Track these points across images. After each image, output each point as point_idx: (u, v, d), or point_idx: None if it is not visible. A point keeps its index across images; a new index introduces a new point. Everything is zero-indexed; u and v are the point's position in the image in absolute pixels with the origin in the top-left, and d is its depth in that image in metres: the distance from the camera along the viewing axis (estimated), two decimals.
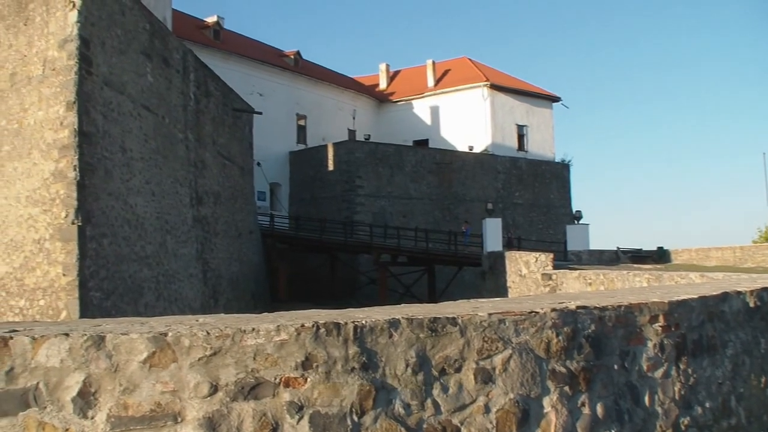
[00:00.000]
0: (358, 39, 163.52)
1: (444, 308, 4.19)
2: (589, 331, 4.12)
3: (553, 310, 3.98)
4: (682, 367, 4.63)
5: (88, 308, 19.19)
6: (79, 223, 19.46)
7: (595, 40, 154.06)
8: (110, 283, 20.68)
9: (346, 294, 43.98)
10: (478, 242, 41.71)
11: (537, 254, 29.13)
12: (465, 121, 58.82)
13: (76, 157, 19.85)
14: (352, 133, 58.92)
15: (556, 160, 60.56)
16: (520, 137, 60.29)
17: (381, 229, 43.93)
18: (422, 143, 59.36)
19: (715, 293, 5.32)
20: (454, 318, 3.65)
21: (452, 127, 59.65)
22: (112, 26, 22.64)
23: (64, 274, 19.15)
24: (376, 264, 42.72)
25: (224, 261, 31.60)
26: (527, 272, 30.19)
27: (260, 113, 40.01)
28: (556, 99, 63.50)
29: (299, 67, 57.35)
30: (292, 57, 57.62)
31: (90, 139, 20.63)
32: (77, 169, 19.78)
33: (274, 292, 41.35)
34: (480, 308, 4.03)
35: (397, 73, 68.86)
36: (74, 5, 20.61)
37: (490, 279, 34.56)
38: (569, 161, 60.65)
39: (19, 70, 21.74)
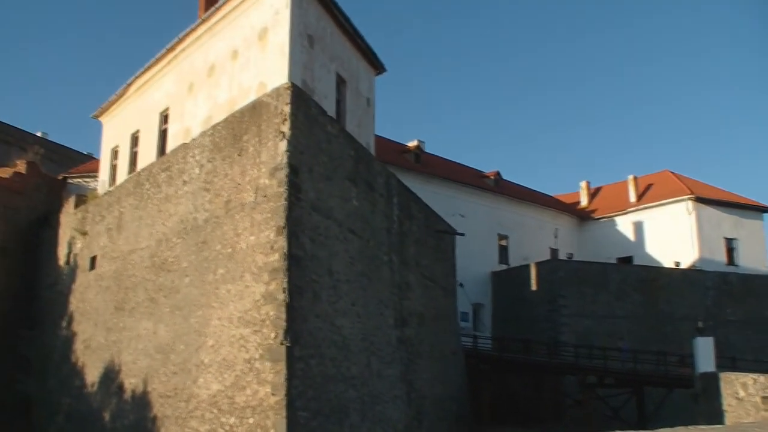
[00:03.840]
0: (557, 158, 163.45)
1: None
2: None
3: None
4: None
5: (295, 428, 18.95)
6: (288, 344, 19.51)
7: None
8: (317, 404, 20.50)
9: (552, 416, 42.24)
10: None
11: (755, 376, 26.85)
12: (670, 236, 56.06)
13: (286, 280, 20.11)
14: (554, 252, 57.57)
15: None
16: (729, 251, 56.28)
17: (586, 350, 42.11)
18: (626, 260, 57.06)
19: None
20: None
21: (657, 242, 57.00)
22: (319, 154, 23.30)
23: (272, 394, 19.13)
24: (582, 386, 40.79)
25: (428, 382, 30.94)
26: (745, 395, 27.94)
27: (463, 234, 39.84)
28: (767, 209, 59.68)
29: (500, 188, 57.35)
30: (493, 178, 57.80)
31: (299, 263, 20.93)
32: (286, 292, 19.98)
33: (477, 413, 40.08)
34: None
35: (598, 189, 67.52)
36: (284, 136, 21.38)
37: (703, 402, 32.25)
38: None
39: (233, 198, 22.70)
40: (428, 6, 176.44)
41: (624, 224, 60.11)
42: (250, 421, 19.47)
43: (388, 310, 27.56)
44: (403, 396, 27.47)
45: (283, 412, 18.77)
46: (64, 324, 32.68)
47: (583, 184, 67.67)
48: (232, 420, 20.08)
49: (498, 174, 58.60)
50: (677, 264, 53.57)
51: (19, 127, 58.05)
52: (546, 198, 64.87)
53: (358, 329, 24.29)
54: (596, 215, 62.73)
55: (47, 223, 37.39)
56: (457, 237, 40.14)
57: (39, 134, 60.22)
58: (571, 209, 64.37)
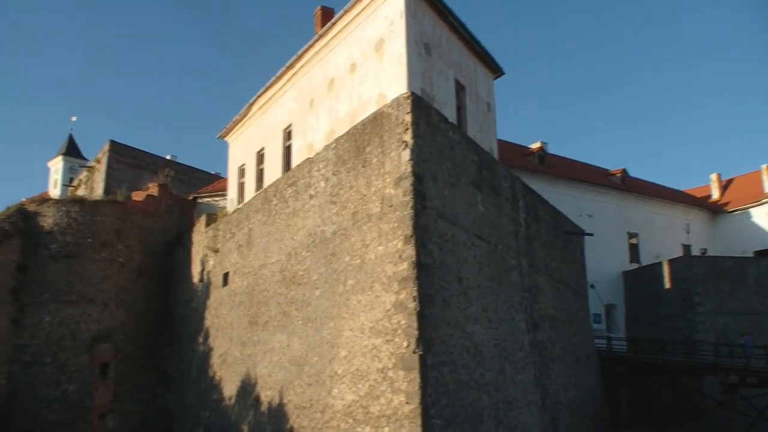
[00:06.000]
0: (685, 150, 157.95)
1: None
2: None
3: None
4: None
5: None
6: (421, 352, 19.32)
7: None
8: (451, 411, 20.24)
9: (691, 418, 40.62)
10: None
11: None
12: None
13: (416, 288, 19.92)
14: (686, 248, 55.41)
15: None
16: None
17: (726, 348, 40.28)
18: (764, 253, 54.05)
19: None
20: None
21: None
22: (443, 161, 23.05)
23: (407, 402, 18.97)
24: (723, 386, 38.99)
25: (562, 386, 30.16)
26: None
27: (591, 234, 38.84)
28: None
29: (627, 185, 55.78)
30: (619, 175, 56.32)
31: (427, 271, 20.72)
32: (417, 300, 19.81)
33: (613, 416, 38.97)
34: None
35: (729, 181, 64.61)
36: (407, 145, 21.26)
37: None
38: None
39: (360, 209, 22.74)
40: (543, 4, 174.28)
41: (760, 215, 57.15)
42: (385, 430, 19.41)
43: (519, 314, 27.06)
44: (537, 401, 26.91)
45: (418, 421, 18.62)
46: (200, 339, 33.62)
47: (713, 176, 65.02)
48: (367, 429, 20.08)
49: (624, 171, 57.06)
50: None
51: (150, 152, 60.39)
52: (675, 193, 62.68)
53: (489, 335, 23.91)
54: (729, 208, 60.06)
55: (180, 243, 38.62)
56: (586, 237, 39.19)
57: (168, 157, 62.43)
58: (702, 203, 61.90)
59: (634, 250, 53.44)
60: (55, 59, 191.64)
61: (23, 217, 35.09)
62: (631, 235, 53.54)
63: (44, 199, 38.34)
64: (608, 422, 37.21)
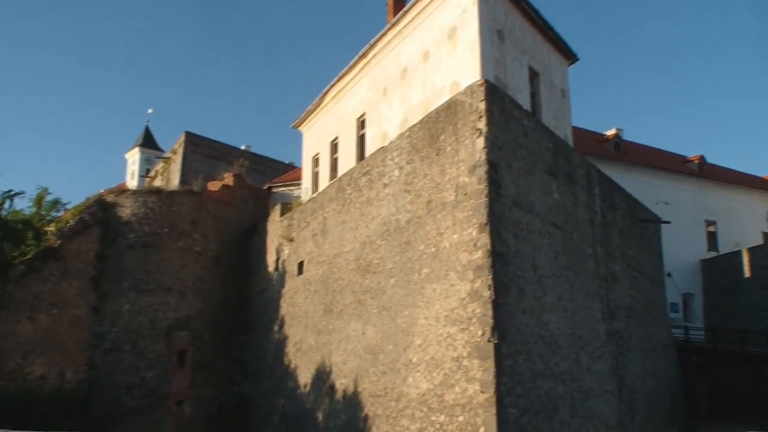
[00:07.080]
0: (765, 136, 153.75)
1: None
2: None
3: None
4: None
5: (505, 425, 18.67)
6: (495, 341, 19.28)
7: None
8: (526, 400, 20.15)
9: None
10: None
11: None
12: None
13: (490, 276, 19.87)
14: (766, 235, 53.74)
15: None
16: None
17: None
18: None
19: None
20: None
21: None
22: (517, 149, 22.89)
23: (481, 391, 18.97)
24: None
25: (639, 376, 29.74)
26: None
27: (668, 222, 38.06)
28: None
29: (704, 172, 54.43)
30: (696, 162, 55.00)
31: (502, 259, 20.65)
32: (492, 289, 19.75)
33: (692, 408, 38.28)
34: None
35: None
36: (481, 133, 21.20)
37: None
38: None
39: (434, 197, 22.76)
40: None
41: None
42: (460, 419, 19.46)
43: (595, 303, 26.75)
44: (614, 391, 26.61)
45: (493, 410, 18.60)
46: (275, 328, 34.01)
47: None
48: (442, 418, 20.16)
49: (702, 158, 55.55)
50: None
51: (225, 142, 61.43)
52: (755, 179, 60.68)
53: (565, 324, 23.71)
54: None
55: (255, 232, 39.08)
56: (663, 225, 38.43)
57: (243, 147, 63.39)
58: None
59: (712, 238, 52.10)
60: (132, 53, 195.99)
61: (102, 208, 35.82)
62: (709, 223, 52.22)
63: (122, 190, 39.19)
64: (686, 414, 36.57)
